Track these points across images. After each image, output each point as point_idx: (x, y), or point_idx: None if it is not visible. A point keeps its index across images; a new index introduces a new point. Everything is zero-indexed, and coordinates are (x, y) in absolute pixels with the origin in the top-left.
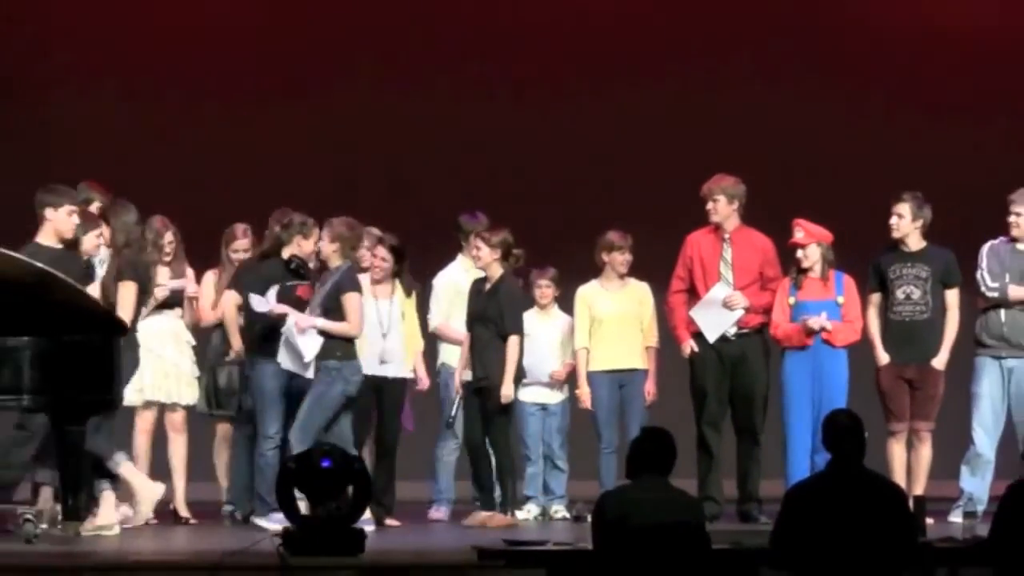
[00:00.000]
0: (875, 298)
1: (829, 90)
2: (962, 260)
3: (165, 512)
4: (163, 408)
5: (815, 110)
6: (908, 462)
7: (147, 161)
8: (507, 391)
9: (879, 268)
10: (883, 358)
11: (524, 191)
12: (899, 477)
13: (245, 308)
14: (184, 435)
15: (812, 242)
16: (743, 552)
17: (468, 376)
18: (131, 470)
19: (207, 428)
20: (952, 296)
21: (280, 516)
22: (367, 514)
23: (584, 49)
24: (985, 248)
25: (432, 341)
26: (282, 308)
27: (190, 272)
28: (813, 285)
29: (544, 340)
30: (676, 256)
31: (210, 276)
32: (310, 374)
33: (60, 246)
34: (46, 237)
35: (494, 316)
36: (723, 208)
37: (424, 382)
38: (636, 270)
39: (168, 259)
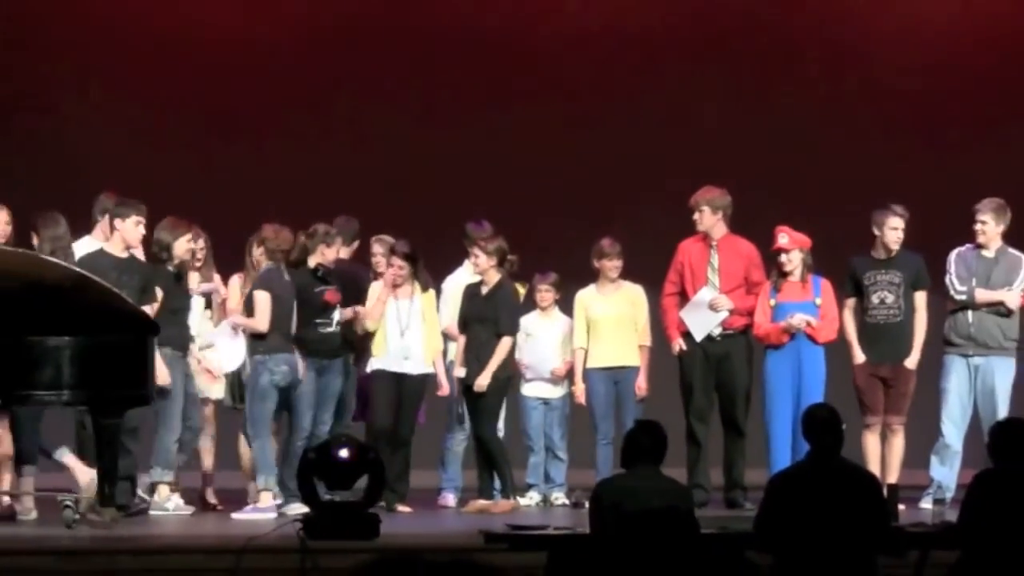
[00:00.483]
0: (851, 302)
1: (808, 109)
2: (930, 265)
3: (195, 498)
4: None
5: (796, 127)
6: (882, 453)
7: (169, 171)
8: (482, 381)
9: (854, 274)
10: (859, 357)
11: (529, 202)
12: (874, 467)
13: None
14: (213, 427)
15: (795, 248)
16: (729, 536)
17: (462, 373)
18: (73, 460)
19: (232, 420)
20: (921, 299)
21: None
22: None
23: (586, 67)
24: (953, 255)
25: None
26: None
27: (217, 277)
28: (793, 288)
29: (545, 340)
30: (669, 262)
31: (236, 280)
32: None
33: (126, 254)
34: (114, 246)
35: (492, 318)
36: (708, 218)
37: (444, 388)
38: (634, 274)
39: (199, 264)
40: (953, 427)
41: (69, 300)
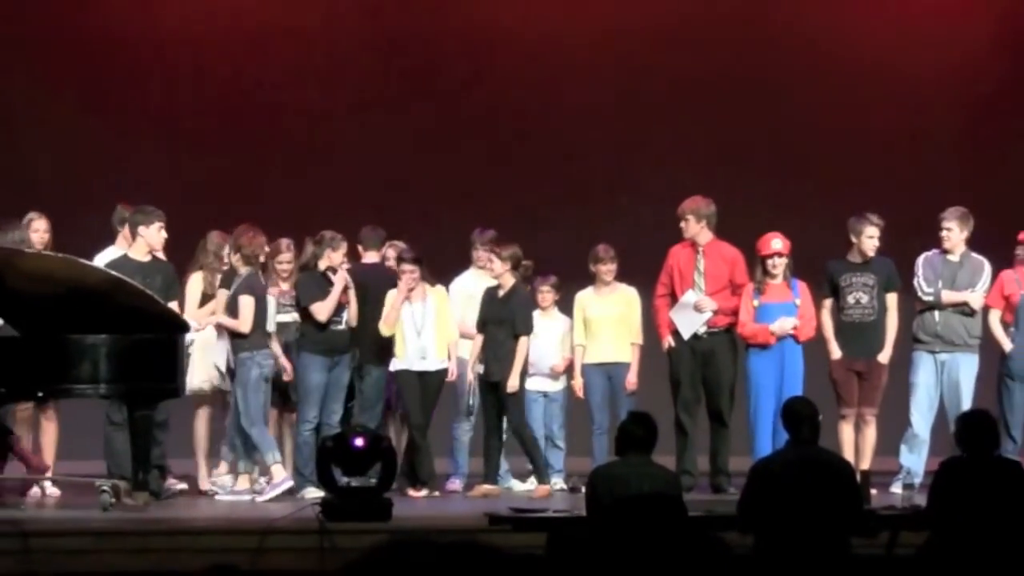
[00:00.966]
0: (828, 303)
1: (788, 125)
2: (899, 269)
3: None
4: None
5: (776, 141)
6: (856, 441)
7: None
8: (512, 383)
9: (831, 277)
10: (836, 353)
11: (531, 210)
12: (848, 454)
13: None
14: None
15: (787, 253)
16: (715, 518)
17: (480, 370)
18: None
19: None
20: (892, 300)
21: (313, 488)
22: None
23: (585, 84)
24: (921, 259)
25: None
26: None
27: None
28: (775, 289)
29: (546, 338)
30: (660, 266)
31: (197, 277)
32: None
33: (149, 258)
34: (137, 251)
35: (508, 319)
36: (693, 226)
37: (453, 373)
38: (627, 277)
39: (225, 268)
40: (921, 418)
41: (106, 301)
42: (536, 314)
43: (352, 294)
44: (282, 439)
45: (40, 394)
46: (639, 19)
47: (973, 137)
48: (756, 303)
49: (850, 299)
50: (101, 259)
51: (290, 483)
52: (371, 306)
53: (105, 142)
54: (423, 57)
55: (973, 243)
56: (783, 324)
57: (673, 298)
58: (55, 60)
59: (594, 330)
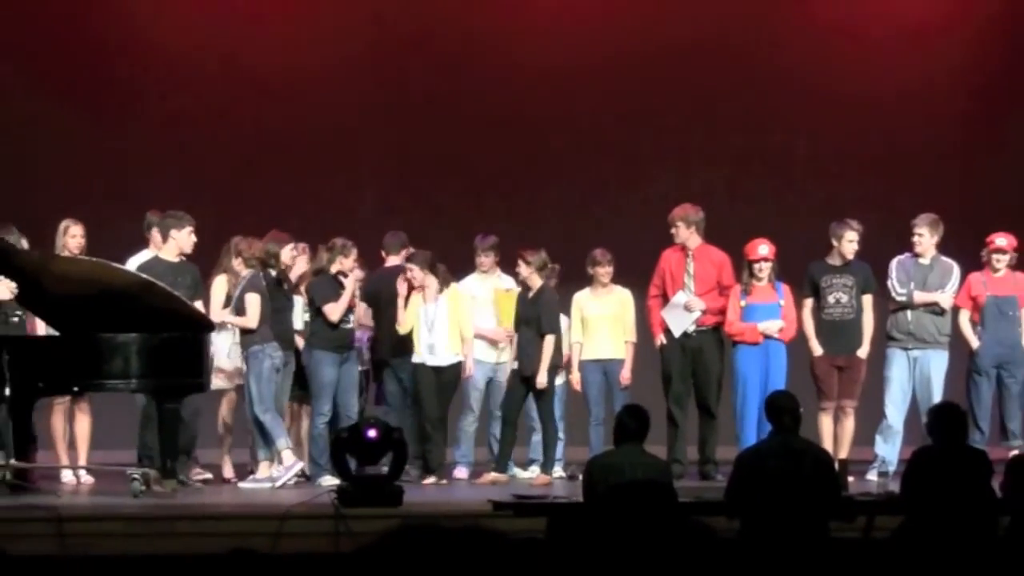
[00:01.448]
0: (809, 302)
1: (776, 139)
2: (875, 272)
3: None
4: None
5: (761, 153)
6: (835, 432)
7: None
8: (541, 379)
9: (813, 279)
10: (818, 350)
11: (533, 216)
12: (827, 444)
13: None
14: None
15: (773, 258)
16: (703, 504)
17: (515, 366)
18: None
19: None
20: (869, 301)
21: (328, 476)
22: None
23: (586, 95)
24: (894, 262)
25: None
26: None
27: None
28: (760, 291)
29: None
30: (653, 268)
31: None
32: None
33: (178, 259)
34: (168, 252)
35: (536, 319)
36: (682, 232)
37: (470, 369)
38: (622, 279)
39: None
40: (895, 410)
41: (136, 302)
42: None
43: (358, 297)
44: (299, 429)
45: (75, 388)
46: (636, 26)
47: (944, 150)
48: (743, 303)
49: (831, 299)
50: (134, 261)
51: (300, 465)
52: (388, 307)
53: (105, 147)
54: (429, 63)
55: (943, 247)
56: (770, 326)
57: (665, 299)
58: (57, 66)
59: (591, 328)
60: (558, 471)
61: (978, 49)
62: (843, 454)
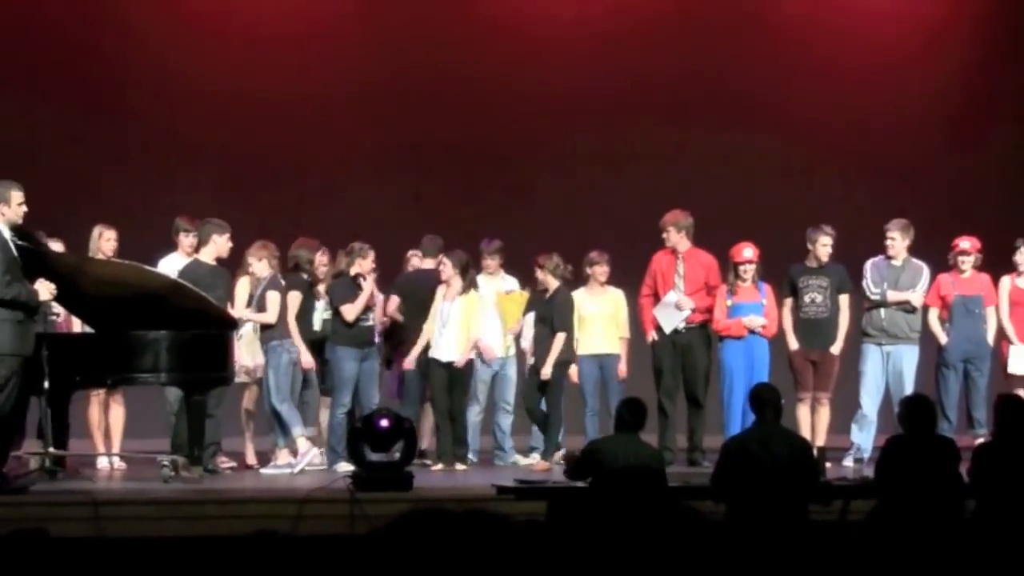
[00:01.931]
0: (788, 301)
1: (759, 146)
2: (848, 273)
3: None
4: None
5: (748, 161)
6: (811, 422)
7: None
8: (545, 371)
9: (791, 279)
10: (794, 345)
11: (535, 223)
12: (804, 432)
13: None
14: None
15: (756, 259)
16: (691, 488)
17: (532, 361)
18: None
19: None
20: (844, 300)
21: (344, 463)
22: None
23: (587, 106)
24: (868, 264)
25: None
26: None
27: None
28: (745, 291)
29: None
30: (646, 270)
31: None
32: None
33: (215, 262)
34: (207, 255)
35: (549, 317)
36: (673, 236)
37: (460, 363)
38: (617, 279)
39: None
40: (870, 401)
41: (166, 302)
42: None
43: (378, 298)
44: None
45: (109, 382)
46: (634, 31)
47: (916, 160)
48: (729, 303)
49: (807, 298)
50: (166, 263)
51: (315, 451)
52: (417, 306)
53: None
54: (429, 67)
55: (913, 250)
56: (753, 320)
57: (656, 298)
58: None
59: (587, 325)
60: (536, 456)
61: (952, 57)
62: (820, 442)
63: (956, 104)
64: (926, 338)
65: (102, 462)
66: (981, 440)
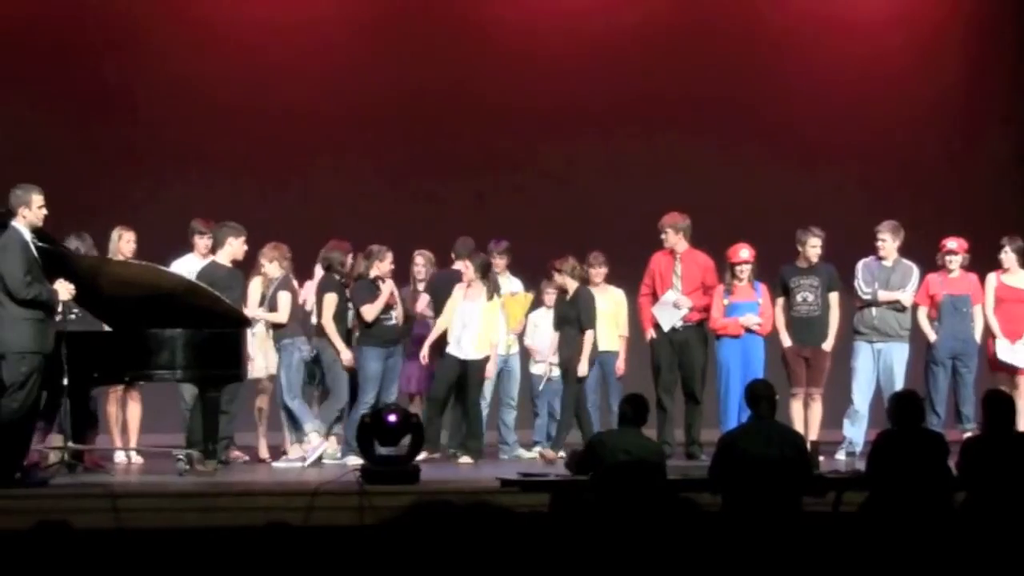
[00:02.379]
0: (780, 301)
1: (755, 150)
2: (842, 272)
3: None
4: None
5: (744, 169)
6: (805, 416)
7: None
8: (582, 369)
9: (783, 279)
10: (786, 341)
11: (540, 227)
12: (797, 426)
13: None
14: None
15: (752, 260)
16: (689, 481)
17: (556, 360)
18: None
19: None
20: (834, 299)
21: (354, 456)
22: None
23: (587, 114)
24: (860, 264)
25: None
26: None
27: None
28: (741, 290)
29: (550, 330)
30: (644, 270)
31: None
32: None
33: (230, 264)
34: (223, 257)
35: (574, 318)
36: (672, 237)
37: (491, 372)
38: (616, 279)
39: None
40: (861, 397)
41: (181, 301)
42: (541, 311)
43: (398, 297)
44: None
45: (126, 378)
46: (634, 42)
47: (906, 163)
48: (726, 302)
49: (799, 297)
50: (180, 264)
51: (325, 445)
52: (444, 304)
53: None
54: (432, 68)
55: (903, 250)
56: (749, 318)
57: (654, 297)
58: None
59: None
60: (539, 450)
61: (948, 62)
62: (813, 436)
63: (951, 108)
64: (916, 336)
65: (120, 456)
66: (969, 434)
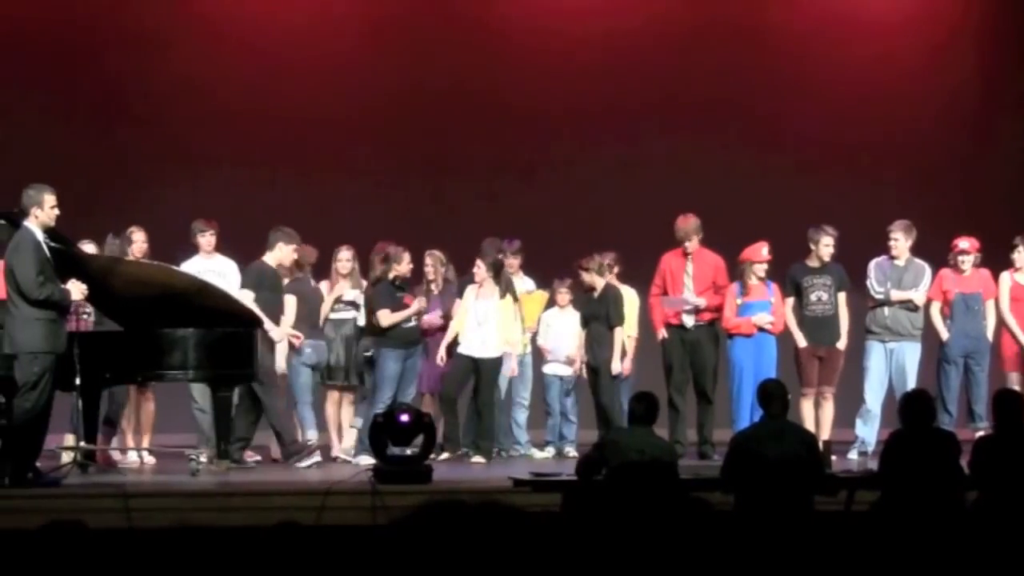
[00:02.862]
0: (791, 301)
1: (767, 150)
2: (853, 272)
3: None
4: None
5: (755, 169)
6: (817, 416)
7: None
8: (615, 366)
9: (794, 279)
10: (801, 342)
11: (554, 227)
12: (808, 426)
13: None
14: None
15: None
16: (701, 480)
17: (586, 358)
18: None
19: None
20: (843, 298)
21: (366, 456)
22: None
23: (598, 120)
24: (872, 264)
25: None
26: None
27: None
28: (754, 290)
29: (562, 330)
30: (654, 270)
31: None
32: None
33: (274, 266)
34: (271, 259)
35: (604, 314)
36: (695, 242)
37: (513, 370)
38: (628, 279)
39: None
40: (873, 396)
41: (193, 301)
42: (553, 311)
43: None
44: (339, 415)
45: (139, 378)
46: (645, 42)
47: (918, 163)
48: (739, 301)
49: (812, 297)
50: (188, 265)
51: (318, 459)
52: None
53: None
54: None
55: (920, 248)
56: (762, 317)
57: (665, 296)
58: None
59: None
60: (570, 450)
61: (962, 62)
62: (825, 435)
63: (964, 108)
64: (928, 334)
65: (132, 456)
66: (981, 433)
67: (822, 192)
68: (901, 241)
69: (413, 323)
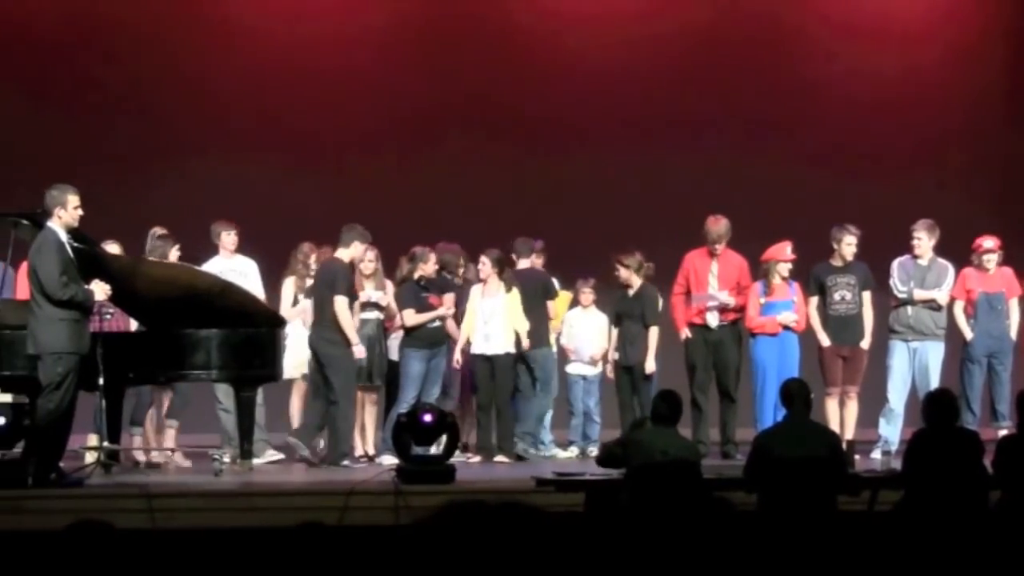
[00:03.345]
0: (815, 300)
1: (788, 155)
2: (876, 271)
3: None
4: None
5: (777, 171)
6: (840, 415)
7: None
8: (649, 365)
9: (818, 278)
10: (825, 341)
11: (577, 228)
12: (832, 426)
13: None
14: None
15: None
16: (724, 480)
17: (617, 356)
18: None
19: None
20: (867, 298)
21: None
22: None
23: (621, 124)
24: (895, 263)
25: None
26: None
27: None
28: (778, 289)
29: (586, 331)
30: (677, 269)
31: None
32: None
33: (347, 262)
34: (344, 255)
35: (639, 313)
36: (725, 243)
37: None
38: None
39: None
40: (896, 395)
41: (216, 301)
42: (577, 310)
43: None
44: (362, 415)
45: (161, 378)
46: (668, 48)
47: (941, 163)
48: (763, 300)
49: (836, 296)
50: (209, 265)
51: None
52: (524, 303)
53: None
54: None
55: (938, 249)
56: (787, 316)
57: (688, 297)
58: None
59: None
60: (574, 450)
61: (985, 66)
62: (849, 435)
63: (986, 111)
64: (951, 334)
65: (156, 456)
66: (1004, 432)
67: (846, 193)
68: (924, 240)
69: (438, 324)
